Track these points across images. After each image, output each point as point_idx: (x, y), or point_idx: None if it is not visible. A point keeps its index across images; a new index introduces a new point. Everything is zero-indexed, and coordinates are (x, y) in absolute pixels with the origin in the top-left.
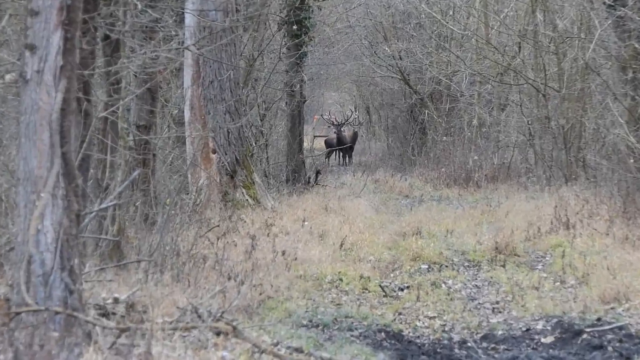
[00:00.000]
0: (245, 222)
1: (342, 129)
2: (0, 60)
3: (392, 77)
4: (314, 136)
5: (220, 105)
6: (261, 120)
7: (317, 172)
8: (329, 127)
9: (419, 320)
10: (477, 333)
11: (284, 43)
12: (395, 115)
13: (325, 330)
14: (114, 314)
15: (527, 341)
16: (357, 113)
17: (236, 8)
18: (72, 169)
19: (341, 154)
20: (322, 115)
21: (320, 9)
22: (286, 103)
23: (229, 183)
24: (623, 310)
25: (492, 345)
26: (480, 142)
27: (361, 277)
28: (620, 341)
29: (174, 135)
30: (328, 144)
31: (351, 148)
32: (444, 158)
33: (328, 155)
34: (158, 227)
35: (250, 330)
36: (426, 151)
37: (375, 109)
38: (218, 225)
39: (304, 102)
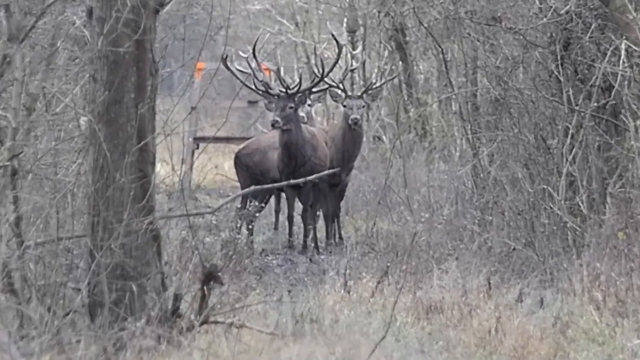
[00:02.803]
0: None
1: (302, 112)
2: None
3: None
4: (194, 141)
5: None
6: None
7: (209, 277)
8: (250, 103)
9: None
10: None
11: None
12: (510, 60)
13: None
14: None
15: None
16: (361, 53)
17: None
18: None
19: (303, 205)
20: (225, 58)
21: None
22: (90, 15)
23: None
24: None
25: None
26: None
27: None
28: None
29: None
30: (244, 165)
31: (332, 186)
32: None
33: (246, 215)
34: None
35: None
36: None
37: (429, 36)
38: None
39: (156, 13)
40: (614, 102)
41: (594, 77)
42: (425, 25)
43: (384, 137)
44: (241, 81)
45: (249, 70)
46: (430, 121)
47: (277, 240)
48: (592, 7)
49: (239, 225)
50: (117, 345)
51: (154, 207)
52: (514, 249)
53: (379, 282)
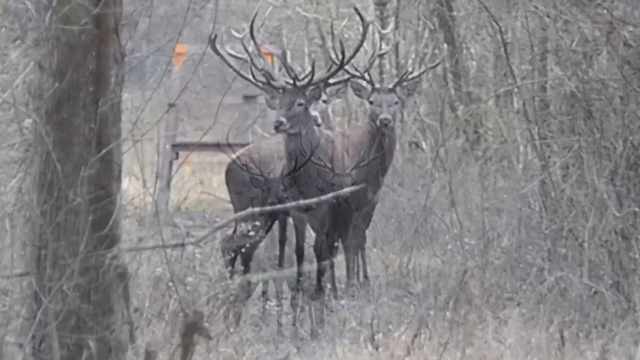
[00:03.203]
0: None
1: (314, 110)
2: None
3: None
4: (173, 149)
5: None
6: None
7: (191, 329)
8: (247, 99)
9: None
10: None
11: None
12: (591, 42)
13: None
14: None
15: None
16: (393, 33)
17: None
18: None
19: (316, 233)
20: (213, 40)
21: None
22: None
23: None
24: None
25: None
26: None
27: None
28: None
29: None
30: (238, 180)
31: (354, 209)
32: None
33: (239, 250)
34: None
35: None
36: None
37: (483, 10)
38: None
39: None
40: None
41: None
42: None
43: (423, 144)
44: (235, 70)
45: (245, 56)
46: (485, 122)
47: (281, 280)
48: None
49: (231, 259)
50: None
51: (119, 236)
52: (596, 292)
53: (415, 336)
